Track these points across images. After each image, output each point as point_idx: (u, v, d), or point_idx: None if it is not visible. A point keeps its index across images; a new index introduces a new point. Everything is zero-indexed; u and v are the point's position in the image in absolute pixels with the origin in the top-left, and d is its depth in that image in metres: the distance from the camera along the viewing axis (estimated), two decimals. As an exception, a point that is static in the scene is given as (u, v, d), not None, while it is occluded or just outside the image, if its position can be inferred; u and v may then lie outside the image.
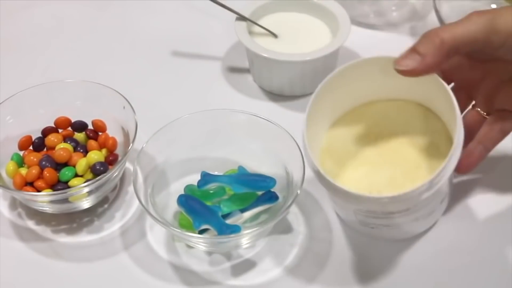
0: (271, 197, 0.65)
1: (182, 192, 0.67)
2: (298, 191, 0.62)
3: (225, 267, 0.65)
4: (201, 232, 0.63)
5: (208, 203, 0.65)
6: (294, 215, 0.68)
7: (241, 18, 0.78)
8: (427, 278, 0.63)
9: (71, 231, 0.68)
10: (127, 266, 0.65)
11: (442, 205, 0.64)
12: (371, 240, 0.66)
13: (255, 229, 0.62)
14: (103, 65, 0.84)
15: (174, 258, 0.65)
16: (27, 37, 0.89)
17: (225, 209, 0.65)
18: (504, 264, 0.64)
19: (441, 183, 0.55)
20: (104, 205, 0.70)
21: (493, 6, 0.86)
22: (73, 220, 0.69)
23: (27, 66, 0.85)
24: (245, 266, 0.65)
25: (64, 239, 0.67)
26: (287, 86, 0.78)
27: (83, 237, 0.67)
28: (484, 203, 0.68)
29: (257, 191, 0.66)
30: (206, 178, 0.67)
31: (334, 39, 0.76)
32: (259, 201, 0.65)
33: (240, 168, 0.68)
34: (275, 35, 0.79)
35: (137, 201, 0.69)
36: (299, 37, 0.79)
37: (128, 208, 0.69)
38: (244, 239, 0.64)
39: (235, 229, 0.62)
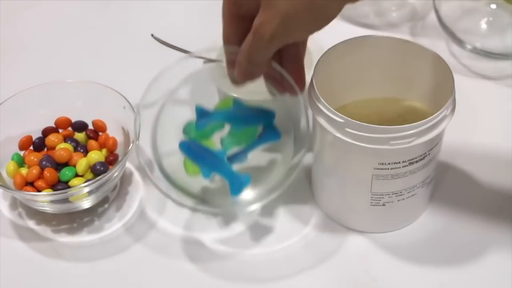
0: (273, 135, 0.64)
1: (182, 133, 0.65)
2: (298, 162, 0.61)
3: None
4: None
5: (209, 142, 0.64)
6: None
7: (210, 61, 0.71)
8: (416, 268, 0.64)
9: (71, 231, 0.68)
10: (127, 266, 0.65)
11: (428, 190, 0.66)
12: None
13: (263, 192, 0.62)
14: (103, 65, 0.84)
15: (174, 258, 0.66)
16: (27, 37, 0.89)
17: (228, 147, 0.63)
18: (491, 259, 0.64)
19: (442, 126, 0.59)
20: (104, 205, 0.70)
21: (493, 6, 0.86)
22: (73, 220, 0.69)
23: (27, 66, 0.85)
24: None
25: (64, 239, 0.67)
26: None
27: (84, 237, 0.67)
28: (468, 196, 0.69)
29: (257, 126, 0.64)
30: (202, 117, 0.64)
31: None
32: (261, 139, 0.64)
33: (236, 101, 0.65)
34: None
35: (137, 201, 0.70)
36: None
37: (128, 208, 0.69)
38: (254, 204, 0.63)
39: (245, 179, 0.62)
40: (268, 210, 0.68)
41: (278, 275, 0.64)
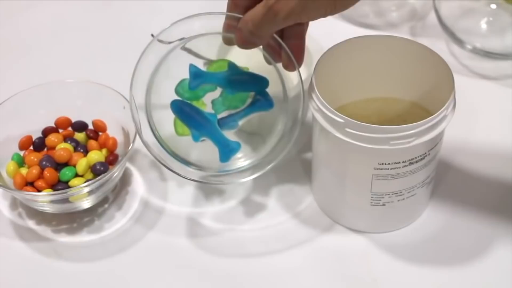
0: (265, 103, 0.64)
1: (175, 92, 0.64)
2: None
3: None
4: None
5: (200, 103, 0.63)
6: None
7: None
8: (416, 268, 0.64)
9: (71, 231, 0.68)
10: (127, 266, 0.65)
11: (428, 190, 0.66)
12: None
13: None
14: (103, 65, 0.84)
15: (174, 258, 0.66)
16: (27, 37, 0.89)
17: (219, 109, 0.63)
18: (491, 258, 0.64)
19: (442, 126, 0.59)
20: (104, 205, 0.70)
21: (493, 6, 0.86)
22: (73, 220, 0.69)
23: (27, 66, 0.85)
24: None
25: (64, 239, 0.67)
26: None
27: (84, 237, 0.67)
28: (468, 196, 0.69)
29: (250, 91, 0.64)
30: (196, 77, 0.64)
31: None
32: (253, 106, 0.64)
33: (231, 64, 0.64)
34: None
35: (137, 201, 0.70)
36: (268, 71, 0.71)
37: (129, 208, 0.69)
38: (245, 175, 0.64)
39: (234, 146, 0.62)
40: (267, 209, 0.69)
41: (276, 275, 0.64)
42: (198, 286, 0.64)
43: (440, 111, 0.58)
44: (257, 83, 0.64)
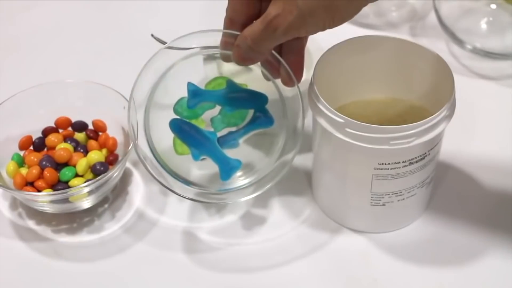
0: (265, 121, 0.64)
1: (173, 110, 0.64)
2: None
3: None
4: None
5: (199, 122, 0.63)
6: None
7: (210, 58, 0.70)
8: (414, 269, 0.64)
9: (71, 231, 0.68)
10: (128, 266, 0.65)
11: (428, 190, 0.66)
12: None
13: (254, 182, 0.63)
14: (103, 65, 0.84)
15: (174, 258, 0.66)
16: (27, 37, 0.89)
17: (218, 127, 0.63)
18: (489, 262, 0.64)
19: (442, 126, 0.59)
20: (104, 205, 0.70)
21: (493, 6, 0.86)
22: (73, 220, 0.69)
23: (27, 66, 0.85)
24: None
25: (64, 239, 0.67)
26: None
27: (84, 237, 0.67)
28: (468, 196, 0.70)
29: (249, 109, 0.64)
30: (195, 95, 0.63)
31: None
32: (253, 124, 0.64)
33: (229, 82, 0.64)
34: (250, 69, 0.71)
35: (137, 201, 0.70)
36: None
37: (128, 208, 0.69)
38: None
39: (235, 164, 0.62)
40: (267, 209, 0.69)
41: (277, 275, 0.64)
42: (196, 284, 0.64)
43: (440, 111, 0.58)
44: (256, 100, 0.64)
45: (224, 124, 0.64)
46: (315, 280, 0.64)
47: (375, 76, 0.67)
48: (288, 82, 0.62)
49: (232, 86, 0.64)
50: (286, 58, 0.61)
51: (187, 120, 0.63)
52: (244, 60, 0.59)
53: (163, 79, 0.64)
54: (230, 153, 0.64)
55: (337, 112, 0.58)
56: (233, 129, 0.65)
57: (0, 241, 0.67)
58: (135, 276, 0.65)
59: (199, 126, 0.63)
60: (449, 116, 0.60)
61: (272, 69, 0.62)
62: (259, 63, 0.62)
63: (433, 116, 0.58)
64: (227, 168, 0.62)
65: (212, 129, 0.64)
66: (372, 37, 0.65)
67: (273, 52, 0.60)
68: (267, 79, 0.63)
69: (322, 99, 0.59)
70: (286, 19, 0.54)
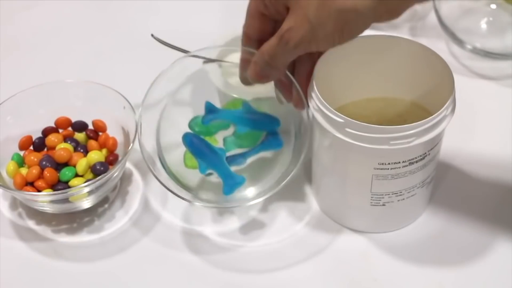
0: (275, 143, 0.65)
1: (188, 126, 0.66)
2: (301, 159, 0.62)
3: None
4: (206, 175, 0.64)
5: (212, 139, 0.65)
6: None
7: (209, 60, 0.71)
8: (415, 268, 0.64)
9: (71, 231, 0.68)
10: (127, 266, 0.65)
11: (428, 190, 0.66)
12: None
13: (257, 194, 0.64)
14: (103, 65, 0.84)
15: (174, 258, 0.66)
16: (27, 37, 0.89)
17: (229, 147, 0.65)
18: (491, 258, 0.64)
19: (442, 126, 0.59)
20: (104, 205, 0.70)
21: (493, 6, 0.86)
22: (73, 220, 0.69)
23: (27, 66, 0.85)
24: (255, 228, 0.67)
25: (64, 239, 0.67)
26: None
27: (84, 237, 0.67)
28: (468, 196, 0.70)
29: (261, 131, 0.66)
30: (211, 113, 0.66)
31: None
32: (263, 145, 0.66)
33: (245, 104, 0.66)
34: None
35: (137, 201, 0.70)
36: None
37: (128, 208, 0.69)
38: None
39: (239, 180, 0.63)
40: (267, 208, 0.68)
41: (276, 277, 0.64)
42: (198, 285, 0.64)
43: (440, 111, 0.58)
44: (269, 123, 0.66)
45: (236, 146, 0.65)
46: (315, 280, 0.64)
47: (375, 76, 0.67)
48: (299, 104, 0.63)
49: (247, 107, 0.66)
50: (297, 79, 0.63)
51: (199, 136, 0.65)
52: (260, 77, 0.60)
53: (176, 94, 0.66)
54: (234, 168, 0.65)
55: (337, 112, 0.58)
56: (243, 149, 0.66)
57: (0, 241, 0.67)
58: (135, 276, 0.65)
59: (211, 142, 0.65)
60: (449, 116, 0.60)
61: (286, 92, 0.64)
62: (273, 86, 0.64)
63: (433, 116, 0.58)
64: (231, 182, 0.64)
65: (223, 147, 0.65)
66: (372, 37, 0.65)
67: (287, 73, 0.62)
68: (281, 102, 0.65)
69: (322, 99, 0.59)
70: (298, 32, 0.55)
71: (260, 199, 0.64)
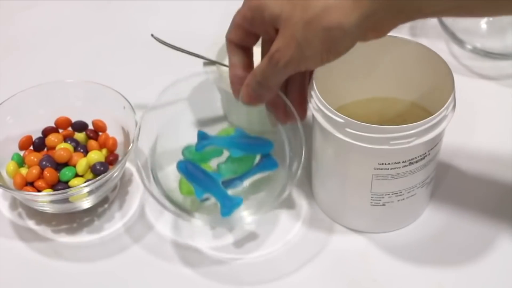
0: (270, 164, 0.66)
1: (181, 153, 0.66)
2: (299, 172, 0.62)
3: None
4: (203, 200, 0.64)
5: (206, 166, 0.65)
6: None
7: (210, 62, 0.73)
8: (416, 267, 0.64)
9: (71, 231, 0.68)
10: (127, 266, 0.65)
11: (428, 190, 0.66)
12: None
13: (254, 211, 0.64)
14: (103, 65, 0.84)
15: (173, 258, 0.66)
16: (27, 37, 0.89)
17: (224, 173, 0.65)
18: (492, 257, 0.64)
19: (442, 126, 0.59)
20: (104, 205, 0.70)
21: (493, 6, 0.86)
22: (73, 220, 0.69)
23: (27, 66, 0.85)
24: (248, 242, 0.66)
25: (64, 239, 0.67)
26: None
27: (84, 237, 0.68)
28: (468, 196, 0.69)
29: (255, 154, 0.66)
30: (203, 140, 0.66)
31: None
32: (258, 167, 0.66)
33: (237, 129, 0.67)
34: None
35: (137, 202, 0.70)
36: None
37: (128, 208, 0.69)
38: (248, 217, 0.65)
39: (237, 201, 0.63)
40: (269, 217, 0.69)
41: (277, 275, 0.64)
42: (198, 285, 0.64)
43: (440, 111, 0.58)
44: (262, 146, 0.66)
45: (230, 172, 0.65)
46: (315, 280, 0.64)
47: (375, 76, 0.67)
48: (292, 120, 0.63)
49: (239, 132, 0.66)
50: (289, 97, 0.63)
51: (193, 162, 0.65)
52: (253, 98, 0.60)
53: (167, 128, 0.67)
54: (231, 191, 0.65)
55: (337, 112, 0.58)
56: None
57: (0, 241, 0.67)
58: (135, 276, 0.65)
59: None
60: (449, 116, 0.60)
61: (279, 113, 0.64)
62: (265, 109, 0.64)
63: (433, 116, 0.58)
64: (228, 204, 0.63)
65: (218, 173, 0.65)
66: None
67: (280, 92, 0.62)
68: (274, 125, 0.65)
69: (322, 99, 0.59)
70: (287, 52, 0.56)
71: (257, 216, 0.65)
